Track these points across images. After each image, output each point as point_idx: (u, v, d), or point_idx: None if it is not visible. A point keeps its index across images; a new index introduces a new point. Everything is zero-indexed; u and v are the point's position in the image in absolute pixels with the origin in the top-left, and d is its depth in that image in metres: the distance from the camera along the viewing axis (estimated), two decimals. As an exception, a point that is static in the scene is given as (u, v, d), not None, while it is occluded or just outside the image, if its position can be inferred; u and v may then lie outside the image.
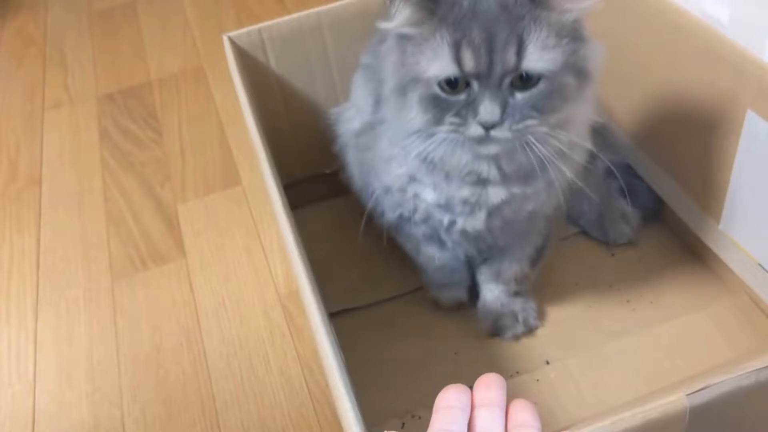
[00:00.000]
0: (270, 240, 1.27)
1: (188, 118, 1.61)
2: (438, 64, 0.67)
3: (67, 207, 1.42)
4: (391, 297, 1.08)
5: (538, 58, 0.66)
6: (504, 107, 0.67)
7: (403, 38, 0.71)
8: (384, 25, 0.71)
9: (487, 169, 0.76)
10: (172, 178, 1.45)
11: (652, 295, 1.02)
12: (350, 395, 0.60)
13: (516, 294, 0.99)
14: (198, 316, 1.15)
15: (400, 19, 0.69)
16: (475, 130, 0.68)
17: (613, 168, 0.89)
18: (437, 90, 0.68)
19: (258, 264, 1.23)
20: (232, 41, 1.04)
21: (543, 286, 1.04)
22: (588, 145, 0.81)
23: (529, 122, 0.68)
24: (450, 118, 0.69)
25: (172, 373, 1.08)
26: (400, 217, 0.91)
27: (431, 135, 0.72)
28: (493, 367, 0.97)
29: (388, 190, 0.88)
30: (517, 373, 0.95)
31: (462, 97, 0.68)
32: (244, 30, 1.04)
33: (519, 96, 0.67)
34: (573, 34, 0.68)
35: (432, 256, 0.98)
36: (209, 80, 1.71)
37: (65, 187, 1.47)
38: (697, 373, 0.64)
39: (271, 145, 0.95)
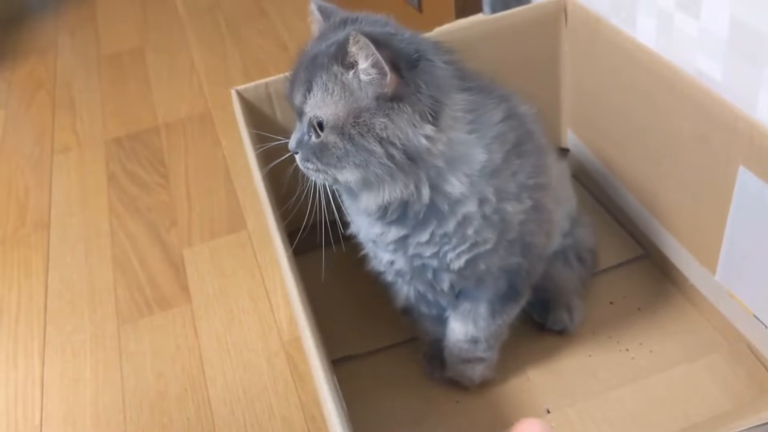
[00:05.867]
0: (274, 285, 1.29)
1: (195, 162, 1.64)
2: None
3: (74, 251, 1.44)
4: (393, 344, 1.09)
5: (315, 106, 0.74)
6: (299, 143, 0.77)
7: None
8: None
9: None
10: (178, 222, 1.47)
11: (650, 345, 1.03)
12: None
13: (476, 341, 0.97)
14: (202, 362, 1.17)
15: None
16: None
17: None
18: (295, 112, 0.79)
19: (262, 309, 1.25)
20: (239, 94, 1.07)
21: (543, 335, 1.06)
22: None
23: (310, 165, 0.77)
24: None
25: (176, 420, 1.09)
26: (378, 274, 0.96)
27: None
28: (495, 415, 0.98)
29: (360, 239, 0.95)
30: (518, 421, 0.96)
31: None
32: (252, 84, 1.08)
33: (312, 140, 0.75)
34: (360, 101, 0.73)
35: (427, 330, 1.02)
36: (216, 125, 1.75)
37: (73, 231, 1.50)
38: (693, 426, 0.66)
39: (276, 193, 0.98)
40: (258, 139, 1.04)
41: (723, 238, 0.95)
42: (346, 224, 0.96)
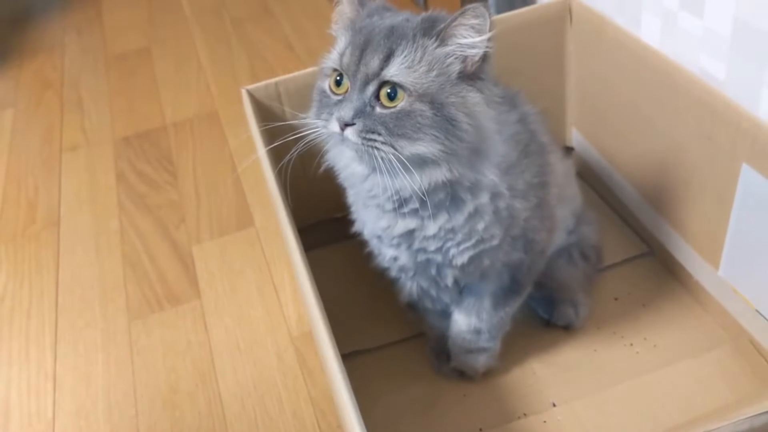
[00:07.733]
0: (282, 281, 1.31)
1: (203, 161, 1.66)
2: (332, 57, 0.78)
3: (84, 248, 1.46)
4: (401, 339, 1.11)
5: (399, 72, 0.72)
6: (359, 112, 0.73)
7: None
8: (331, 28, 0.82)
9: (381, 192, 0.80)
10: (186, 219, 1.49)
11: (655, 340, 1.05)
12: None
13: (479, 332, 0.98)
14: (213, 357, 1.18)
15: (337, 11, 0.81)
16: (333, 125, 0.74)
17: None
18: (326, 86, 0.77)
19: (271, 305, 1.26)
20: (250, 94, 1.09)
21: (549, 330, 1.08)
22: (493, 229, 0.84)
23: (376, 137, 0.73)
24: (324, 114, 0.76)
25: (188, 414, 1.10)
26: (383, 270, 0.97)
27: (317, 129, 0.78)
28: (501, 409, 1.00)
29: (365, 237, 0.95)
30: (525, 415, 0.98)
31: (339, 97, 0.76)
32: (262, 83, 1.09)
33: (378, 110, 0.73)
34: (448, 74, 0.74)
35: (432, 324, 1.04)
36: (223, 124, 1.77)
37: (83, 228, 1.51)
38: (697, 418, 0.67)
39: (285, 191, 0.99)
40: (268, 139, 1.06)
41: (726, 234, 0.97)
42: (351, 222, 0.98)
